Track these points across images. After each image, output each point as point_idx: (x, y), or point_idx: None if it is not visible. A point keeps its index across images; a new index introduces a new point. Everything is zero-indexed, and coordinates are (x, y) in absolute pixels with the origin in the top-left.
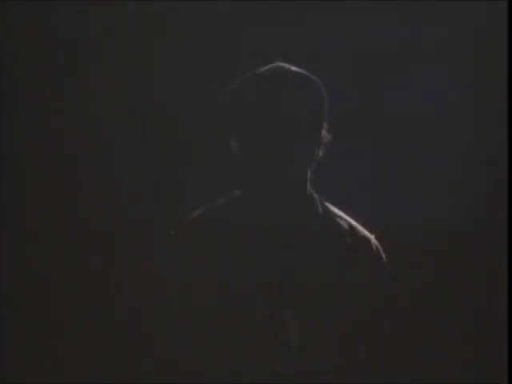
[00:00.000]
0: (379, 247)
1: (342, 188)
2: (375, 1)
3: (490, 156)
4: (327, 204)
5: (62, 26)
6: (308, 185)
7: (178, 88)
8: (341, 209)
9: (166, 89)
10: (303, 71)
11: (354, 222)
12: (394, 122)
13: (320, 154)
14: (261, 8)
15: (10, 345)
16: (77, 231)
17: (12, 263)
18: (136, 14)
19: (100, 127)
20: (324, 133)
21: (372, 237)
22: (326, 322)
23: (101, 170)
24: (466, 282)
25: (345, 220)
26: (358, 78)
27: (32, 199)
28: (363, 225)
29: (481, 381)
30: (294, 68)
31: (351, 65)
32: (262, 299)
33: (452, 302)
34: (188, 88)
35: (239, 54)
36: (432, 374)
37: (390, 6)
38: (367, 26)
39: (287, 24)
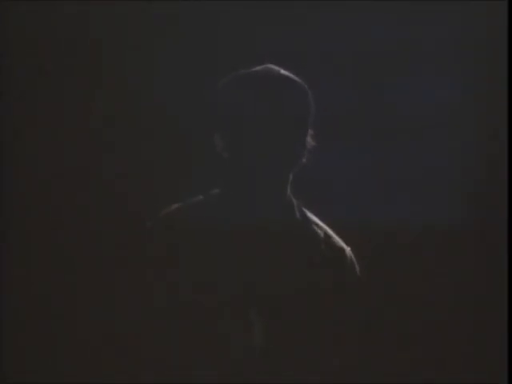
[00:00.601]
0: (353, 258)
1: (339, 189)
2: (375, 1)
3: (490, 156)
4: (305, 210)
5: (62, 26)
6: (288, 189)
7: (178, 88)
8: (324, 213)
9: (166, 89)
10: (291, 75)
11: (330, 231)
12: (394, 121)
13: (304, 159)
14: (261, 8)
15: (10, 345)
16: (76, 231)
17: (12, 263)
18: (136, 14)
19: (100, 127)
20: (309, 139)
21: (348, 249)
22: (294, 325)
23: (101, 170)
24: (466, 281)
25: (321, 228)
26: (358, 78)
27: (32, 199)
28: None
29: (481, 381)
30: (283, 71)
31: (351, 65)
32: (231, 299)
33: (452, 302)
34: (188, 88)
35: (239, 54)
36: (432, 374)
37: (389, 5)
38: (367, 26)
39: (287, 24)
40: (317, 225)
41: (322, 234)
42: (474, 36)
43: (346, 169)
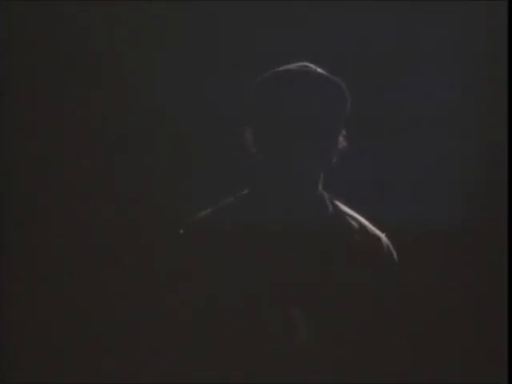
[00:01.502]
0: (390, 246)
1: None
2: (375, 1)
3: (490, 156)
4: (337, 202)
5: (61, 26)
6: (320, 185)
7: (178, 88)
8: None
9: (166, 89)
10: (328, 74)
11: (364, 221)
12: (394, 121)
13: (334, 159)
14: (261, 8)
15: (10, 345)
16: (77, 231)
17: (12, 263)
18: (136, 14)
19: (100, 127)
20: (341, 139)
21: (383, 235)
22: (337, 322)
23: (101, 170)
24: (466, 281)
25: (355, 219)
26: (358, 78)
27: (32, 199)
28: (374, 224)
29: (481, 381)
30: (319, 70)
31: (351, 65)
32: (272, 299)
33: (452, 302)
34: (188, 88)
35: (239, 54)
36: (432, 374)
37: (389, 5)
38: (367, 26)
39: (287, 24)
40: (350, 216)
41: (356, 225)
42: (473, 36)
43: (346, 169)
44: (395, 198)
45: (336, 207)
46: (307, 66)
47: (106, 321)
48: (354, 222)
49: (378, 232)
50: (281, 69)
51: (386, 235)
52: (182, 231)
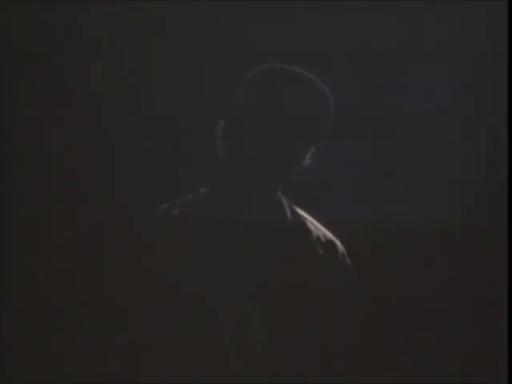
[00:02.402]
0: (344, 251)
1: (338, 189)
2: (375, 1)
3: (489, 156)
4: (295, 207)
5: (62, 26)
6: (279, 188)
7: (178, 88)
8: (324, 213)
9: (166, 89)
10: (300, 73)
11: (319, 225)
12: (394, 122)
13: (304, 161)
14: (261, 8)
15: (10, 345)
16: (76, 231)
17: (12, 263)
18: (136, 14)
19: (100, 127)
20: (308, 156)
21: (337, 241)
22: (289, 321)
23: (101, 169)
24: (466, 281)
25: (311, 222)
26: (358, 78)
27: (32, 198)
28: (340, 234)
29: (481, 381)
30: (289, 69)
31: (351, 65)
32: (224, 298)
33: (452, 302)
34: (188, 88)
35: (239, 54)
36: (432, 374)
37: (390, 5)
38: (367, 26)
39: (287, 24)
40: (306, 219)
41: (312, 229)
42: (473, 36)
43: (346, 169)
44: (395, 198)
45: (293, 211)
46: (273, 67)
47: (105, 321)
48: (309, 225)
49: (332, 236)
50: (252, 71)
51: (341, 241)
52: (138, 224)
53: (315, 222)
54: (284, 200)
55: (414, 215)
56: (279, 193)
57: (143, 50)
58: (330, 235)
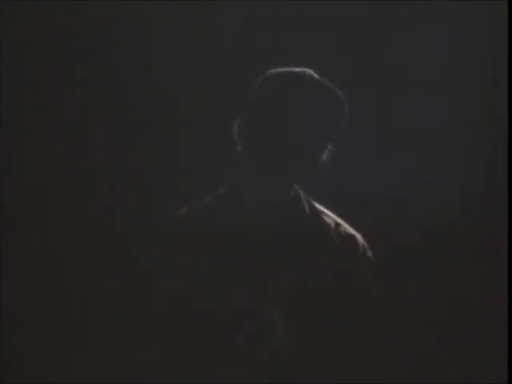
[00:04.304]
0: (365, 245)
1: (338, 189)
2: (375, 1)
3: (490, 156)
4: (313, 202)
5: (62, 26)
6: (295, 185)
7: (178, 88)
8: (331, 209)
9: (166, 88)
10: (329, 84)
11: (339, 220)
12: (394, 121)
13: (320, 159)
14: (261, 8)
15: (10, 345)
16: (76, 231)
17: (12, 263)
18: (136, 14)
19: (100, 127)
20: (326, 152)
21: (358, 235)
22: (314, 321)
23: (101, 169)
24: (466, 282)
25: (330, 217)
26: (357, 78)
27: (32, 199)
28: (351, 223)
29: (481, 381)
30: (320, 79)
31: (351, 65)
32: (248, 299)
33: (452, 302)
34: (188, 88)
35: (239, 54)
36: (432, 374)
37: (389, 5)
38: (367, 26)
39: (287, 24)
40: (326, 215)
41: (332, 224)
42: (474, 36)
43: (346, 168)
44: (395, 198)
45: (312, 206)
46: (305, 72)
47: (105, 321)
48: (329, 221)
49: (352, 230)
50: (279, 70)
51: (362, 234)
52: (155, 229)
53: (334, 217)
54: (302, 195)
55: (413, 215)
56: (296, 188)
57: (143, 49)
58: (350, 229)
